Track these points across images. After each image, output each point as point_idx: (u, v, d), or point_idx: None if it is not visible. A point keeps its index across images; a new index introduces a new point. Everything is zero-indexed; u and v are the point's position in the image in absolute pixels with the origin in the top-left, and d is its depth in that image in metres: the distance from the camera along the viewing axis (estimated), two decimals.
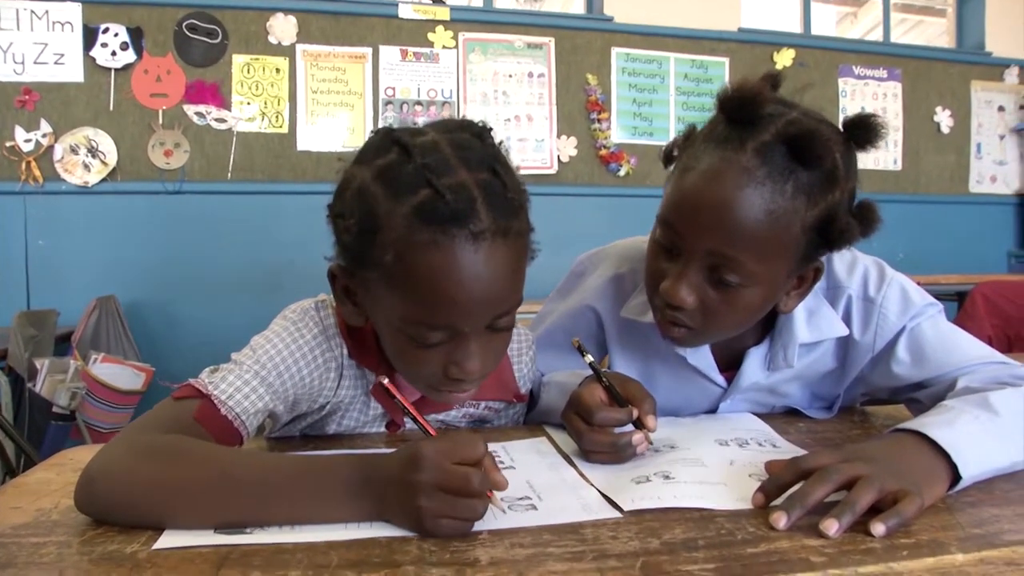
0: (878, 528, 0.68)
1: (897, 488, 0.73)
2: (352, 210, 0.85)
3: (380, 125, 3.97)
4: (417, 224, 0.80)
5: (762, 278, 0.97)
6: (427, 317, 0.84)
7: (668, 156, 1.06)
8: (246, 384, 0.91)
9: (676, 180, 0.99)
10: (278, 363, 0.95)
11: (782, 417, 1.19)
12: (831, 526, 0.68)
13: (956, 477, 0.79)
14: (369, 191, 0.84)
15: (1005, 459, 0.85)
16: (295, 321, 1.00)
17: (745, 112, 0.94)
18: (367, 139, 0.92)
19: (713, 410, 1.22)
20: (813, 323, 1.12)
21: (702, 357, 1.16)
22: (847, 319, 1.13)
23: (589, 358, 1.00)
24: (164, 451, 0.78)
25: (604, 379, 0.98)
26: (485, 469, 0.72)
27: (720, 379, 1.18)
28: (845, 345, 1.15)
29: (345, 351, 1.02)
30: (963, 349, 1.07)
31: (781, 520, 0.71)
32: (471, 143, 0.87)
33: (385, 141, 0.87)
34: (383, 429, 1.11)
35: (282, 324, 0.99)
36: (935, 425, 0.84)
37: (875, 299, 1.11)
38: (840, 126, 0.98)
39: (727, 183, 0.91)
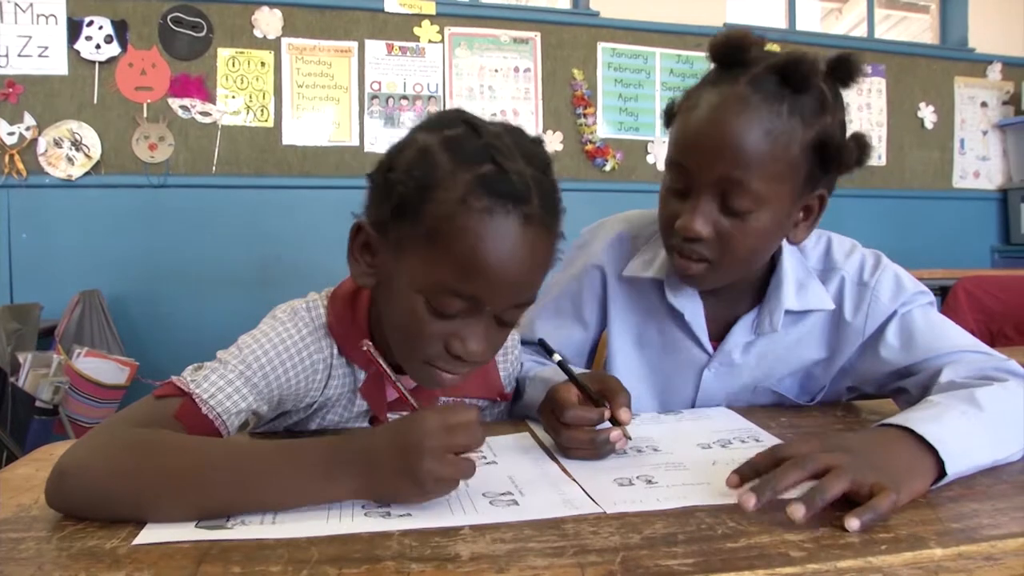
0: (852, 523, 0.69)
1: (873, 481, 0.73)
2: (411, 166, 0.86)
3: (366, 120, 3.97)
4: (477, 190, 0.82)
5: (770, 200, 1.02)
6: (458, 282, 0.84)
7: (669, 115, 1.12)
8: (229, 384, 0.90)
9: (678, 124, 1.06)
10: (264, 363, 0.94)
11: (764, 411, 1.20)
12: (797, 511, 0.69)
13: (940, 472, 0.80)
14: (433, 152, 0.86)
15: (988, 455, 0.86)
16: (283, 321, 0.99)
17: (734, 54, 1.03)
18: (434, 113, 0.96)
19: (697, 381, 1.25)
20: (801, 294, 1.17)
21: (696, 315, 1.20)
22: (839, 300, 1.18)
23: (557, 357, 1.01)
24: (141, 443, 0.78)
25: (575, 378, 0.99)
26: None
27: (708, 344, 1.22)
28: (836, 328, 1.19)
29: (335, 350, 1.02)
30: (950, 337, 1.10)
31: (750, 501, 0.71)
32: (529, 143, 0.90)
33: (455, 118, 0.90)
34: (366, 424, 1.11)
35: (270, 324, 0.99)
36: (922, 420, 0.84)
37: (868, 283, 1.16)
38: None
39: (726, 111, 0.99)
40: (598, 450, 0.92)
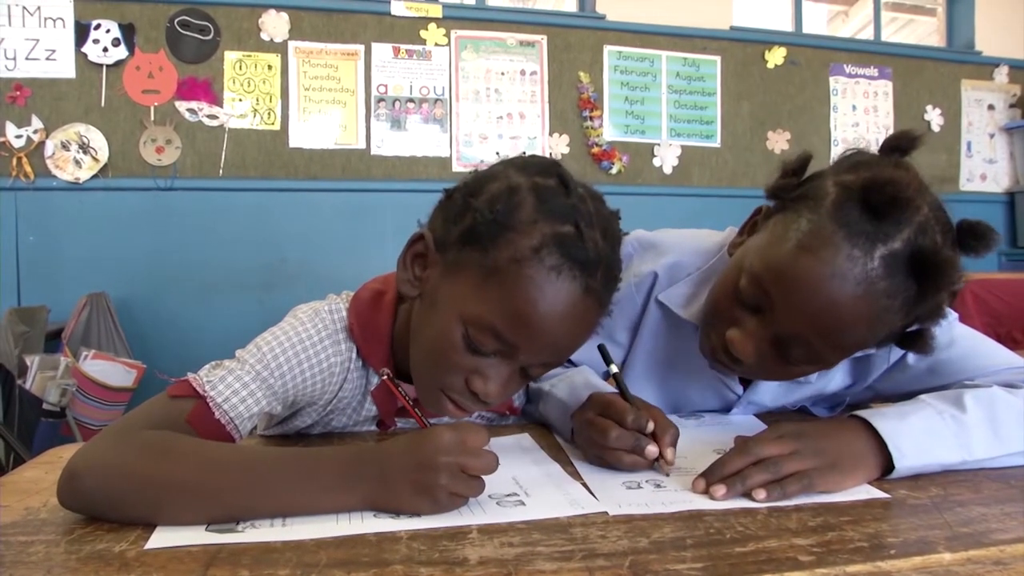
0: (759, 494, 0.78)
1: (812, 466, 0.81)
2: (495, 199, 0.86)
3: (373, 122, 3.98)
4: (552, 247, 0.83)
5: (826, 363, 1.01)
6: (503, 326, 0.85)
7: (777, 192, 1.02)
8: (244, 387, 0.90)
9: (787, 245, 0.93)
10: (282, 362, 0.94)
11: (784, 417, 1.21)
12: (758, 493, 0.79)
13: (892, 465, 0.85)
14: (521, 194, 0.86)
15: (955, 455, 0.88)
16: (303, 321, 0.99)
17: (889, 210, 0.88)
18: (527, 155, 0.96)
19: (721, 411, 1.24)
20: None
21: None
22: None
23: (614, 368, 1.00)
24: (152, 446, 0.78)
25: (628, 393, 0.97)
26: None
27: (738, 388, 1.20)
28: (859, 360, 1.16)
29: (354, 352, 1.02)
30: (979, 357, 1.07)
31: (719, 491, 0.79)
32: (608, 215, 0.92)
33: (550, 168, 0.91)
34: (373, 428, 1.11)
35: (291, 323, 0.99)
36: (885, 416, 0.88)
37: None
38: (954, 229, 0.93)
39: (846, 286, 0.88)
40: (637, 457, 0.89)
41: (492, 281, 0.85)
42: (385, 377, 0.85)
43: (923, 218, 0.89)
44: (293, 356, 0.95)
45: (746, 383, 1.20)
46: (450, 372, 0.89)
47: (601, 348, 1.03)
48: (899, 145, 0.97)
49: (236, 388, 0.90)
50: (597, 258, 0.85)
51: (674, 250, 1.22)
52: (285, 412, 1.03)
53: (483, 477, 0.76)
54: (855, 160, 0.97)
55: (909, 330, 0.96)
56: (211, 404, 0.87)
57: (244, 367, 0.92)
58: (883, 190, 0.87)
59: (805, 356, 0.97)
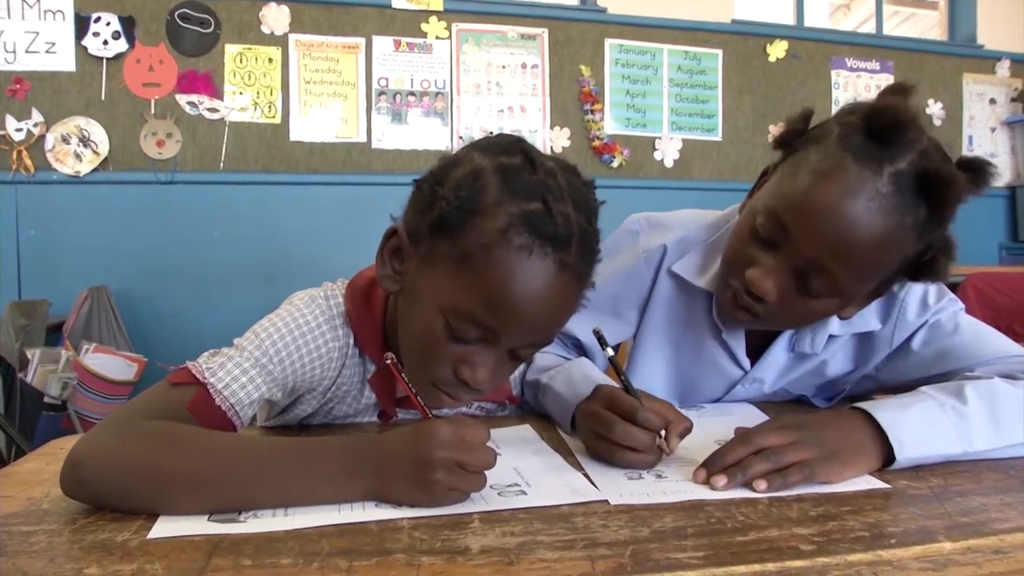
0: (760, 485, 0.79)
1: (811, 456, 0.82)
2: (460, 185, 0.85)
3: (374, 116, 3.97)
4: (520, 226, 0.82)
5: (847, 293, 1.00)
6: (481, 312, 0.84)
7: (784, 140, 1.05)
8: (244, 373, 0.90)
9: (799, 177, 0.97)
10: (280, 349, 0.94)
11: (785, 407, 1.21)
12: (759, 484, 0.79)
13: (892, 456, 0.85)
14: (485, 176, 0.85)
15: (956, 447, 0.88)
16: (300, 308, 0.99)
17: (891, 134, 0.92)
18: (492, 135, 0.94)
19: (725, 390, 1.25)
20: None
21: (735, 335, 1.19)
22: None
23: (610, 352, 1.00)
24: (154, 436, 0.78)
25: (631, 386, 0.97)
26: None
27: (745, 362, 1.21)
28: (864, 341, 1.18)
29: (351, 339, 1.02)
30: (982, 344, 1.08)
31: (720, 480, 0.79)
32: (581, 187, 0.90)
33: (513, 146, 0.89)
34: (375, 419, 1.11)
35: (288, 309, 0.99)
36: (886, 407, 0.89)
37: (897, 294, 1.13)
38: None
39: (858, 203, 0.91)
40: (646, 452, 0.89)
41: (464, 268, 0.84)
42: (389, 362, 0.84)
43: (924, 145, 0.92)
44: (292, 342, 0.95)
45: (753, 358, 1.20)
46: (437, 364, 0.89)
47: (596, 333, 1.01)
48: (895, 91, 0.99)
49: (236, 375, 0.90)
50: (569, 232, 0.83)
51: (681, 226, 1.24)
52: (285, 400, 1.03)
53: (483, 474, 0.76)
54: (854, 105, 1.00)
55: (923, 259, 0.98)
56: (212, 391, 0.87)
57: (243, 354, 0.92)
58: (883, 114, 0.91)
59: (825, 286, 0.98)
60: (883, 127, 0.91)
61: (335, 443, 0.79)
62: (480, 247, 0.82)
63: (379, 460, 0.75)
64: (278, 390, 0.96)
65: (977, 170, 0.95)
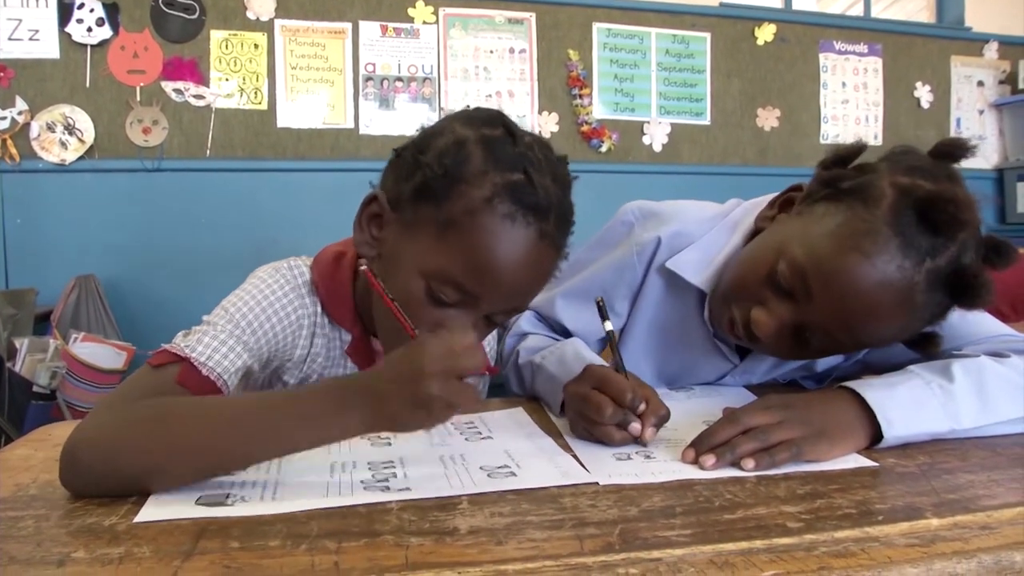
0: (748, 464, 0.79)
1: (799, 434, 0.82)
2: (444, 154, 0.88)
3: (361, 102, 3.95)
4: (504, 195, 0.85)
5: (839, 353, 1.05)
6: (463, 277, 0.87)
7: (830, 181, 1.01)
8: (223, 344, 0.92)
9: (838, 241, 0.94)
10: (251, 319, 0.96)
11: (773, 389, 1.22)
12: (747, 463, 0.80)
13: (880, 434, 0.86)
14: (468, 146, 0.88)
15: (943, 425, 0.89)
16: (264, 279, 1.01)
17: (944, 229, 0.89)
18: (473, 108, 0.98)
19: (714, 380, 1.25)
20: None
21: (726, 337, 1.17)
22: None
23: (608, 326, 0.99)
24: (147, 410, 0.78)
25: (621, 363, 0.97)
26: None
27: (735, 358, 1.21)
28: None
29: (319, 308, 1.04)
30: (969, 325, 1.07)
31: (709, 460, 0.80)
32: (556, 161, 0.94)
33: (495, 118, 0.93)
34: None
35: (253, 282, 1.01)
36: (874, 386, 0.89)
37: None
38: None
39: (888, 296, 0.90)
40: (624, 431, 0.89)
41: (449, 234, 0.87)
42: (363, 268, 0.87)
43: (967, 236, 0.90)
44: (261, 312, 0.97)
45: (743, 354, 1.20)
46: (416, 327, 0.89)
47: (599, 303, 1.02)
48: (951, 152, 0.97)
49: (215, 346, 0.91)
50: (548, 203, 0.87)
51: (677, 218, 1.22)
52: (261, 374, 1.05)
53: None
54: (910, 163, 0.97)
55: (921, 333, 0.99)
56: (196, 364, 0.88)
57: (217, 328, 0.94)
58: (945, 208, 0.88)
59: (822, 345, 0.99)
60: (940, 221, 0.88)
61: (326, 383, 0.81)
62: (465, 213, 0.86)
63: (372, 387, 0.74)
64: (255, 360, 0.97)
65: (1002, 255, 0.93)
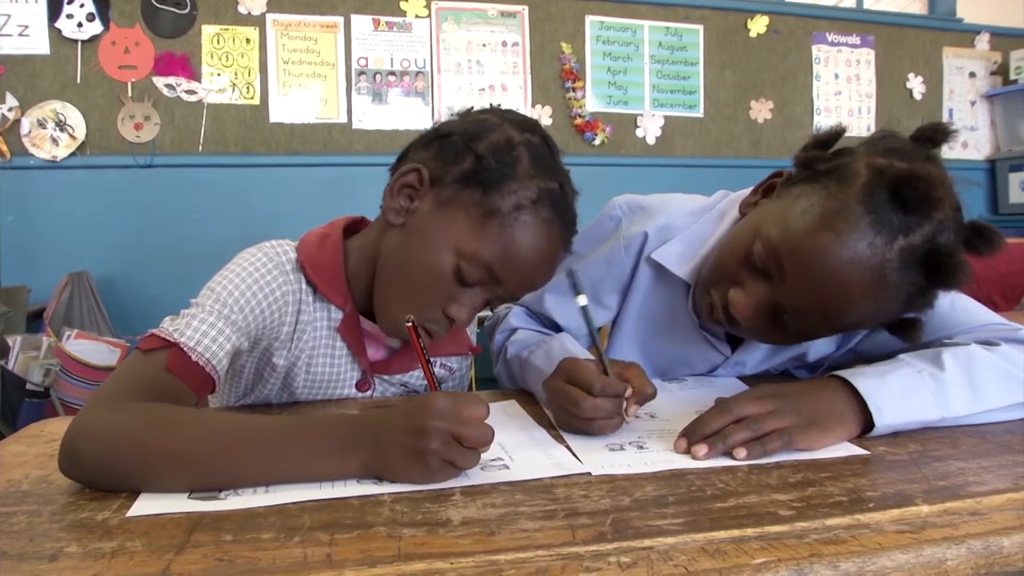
0: (740, 453, 0.80)
1: (790, 424, 0.83)
2: (497, 150, 0.98)
3: (354, 96, 3.94)
4: (546, 201, 0.98)
5: (816, 338, 1.06)
6: (497, 264, 0.97)
7: (807, 163, 1.01)
8: (211, 327, 0.93)
9: (811, 220, 0.93)
10: (237, 297, 0.97)
11: (765, 380, 1.22)
12: (739, 452, 0.80)
13: (871, 423, 0.86)
14: (519, 149, 0.99)
15: (933, 413, 0.90)
16: (248, 259, 1.03)
17: (917, 206, 0.88)
18: (511, 109, 1.09)
19: (706, 372, 1.26)
20: None
21: (711, 327, 1.18)
22: None
23: (583, 299, 0.98)
24: (150, 415, 0.78)
25: (599, 346, 0.97)
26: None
27: (725, 349, 1.21)
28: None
29: (303, 284, 1.06)
30: (960, 313, 1.07)
31: (701, 450, 0.81)
32: (567, 176, 1.06)
33: (536, 127, 1.05)
34: (353, 390, 1.13)
35: (237, 262, 1.02)
36: (865, 374, 0.90)
37: None
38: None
39: (860, 273, 0.89)
40: (611, 420, 0.90)
41: (492, 222, 0.96)
42: (409, 324, 0.85)
43: (943, 216, 0.89)
44: (247, 289, 0.98)
45: (734, 345, 1.20)
46: (432, 299, 0.99)
47: (570, 274, 0.99)
48: (932, 136, 0.97)
49: (204, 330, 0.92)
50: (574, 216, 1.03)
51: (663, 212, 1.22)
52: (251, 356, 1.07)
53: (478, 451, 0.75)
54: (888, 145, 0.96)
55: (902, 317, 0.98)
56: (185, 349, 0.89)
57: (204, 310, 0.94)
58: (917, 186, 0.87)
59: (799, 327, 0.99)
60: (912, 199, 0.88)
61: (332, 419, 0.82)
62: (513, 208, 0.96)
63: (376, 434, 0.75)
64: (244, 339, 0.99)
65: (986, 240, 0.93)
